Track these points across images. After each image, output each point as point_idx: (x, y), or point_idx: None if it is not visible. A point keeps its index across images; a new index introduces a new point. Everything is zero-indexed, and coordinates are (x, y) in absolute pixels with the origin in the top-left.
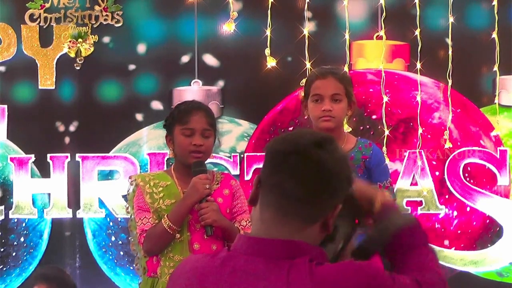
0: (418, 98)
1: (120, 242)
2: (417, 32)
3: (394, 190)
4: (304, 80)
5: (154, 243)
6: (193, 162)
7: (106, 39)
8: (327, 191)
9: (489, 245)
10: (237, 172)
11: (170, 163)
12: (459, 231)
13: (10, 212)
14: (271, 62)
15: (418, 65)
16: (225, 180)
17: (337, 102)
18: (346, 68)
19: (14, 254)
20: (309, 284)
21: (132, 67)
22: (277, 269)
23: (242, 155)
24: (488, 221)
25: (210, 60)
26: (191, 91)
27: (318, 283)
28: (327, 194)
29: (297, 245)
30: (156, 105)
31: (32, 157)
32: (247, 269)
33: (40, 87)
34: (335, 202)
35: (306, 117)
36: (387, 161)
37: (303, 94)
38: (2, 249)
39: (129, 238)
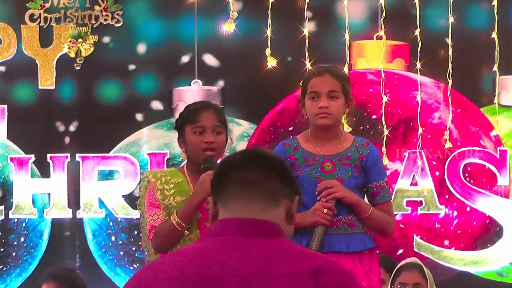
0: (418, 98)
1: (120, 242)
2: (417, 32)
3: (393, 190)
4: None
5: (163, 240)
6: (202, 159)
7: (106, 39)
8: (281, 177)
9: (489, 245)
10: None
11: (171, 163)
12: (459, 231)
13: (10, 212)
14: (271, 62)
15: (418, 65)
16: None
17: (334, 99)
18: (346, 68)
19: (14, 254)
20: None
21: (132, 67)
22: (252, 243)
23: None
24: (488, 221)
25: (210, 60)
26: (191, 91)
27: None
28: (281, 181)
29: (271, 224)
30: (156, 105)
31: (32, 157)
32: (224, 245)
33: (40, 87)
34: (291, 191)
35: (305, 117)
36: (386, 161)
37: (300, 93)
38: (2, 249)
39: (140, 235)
